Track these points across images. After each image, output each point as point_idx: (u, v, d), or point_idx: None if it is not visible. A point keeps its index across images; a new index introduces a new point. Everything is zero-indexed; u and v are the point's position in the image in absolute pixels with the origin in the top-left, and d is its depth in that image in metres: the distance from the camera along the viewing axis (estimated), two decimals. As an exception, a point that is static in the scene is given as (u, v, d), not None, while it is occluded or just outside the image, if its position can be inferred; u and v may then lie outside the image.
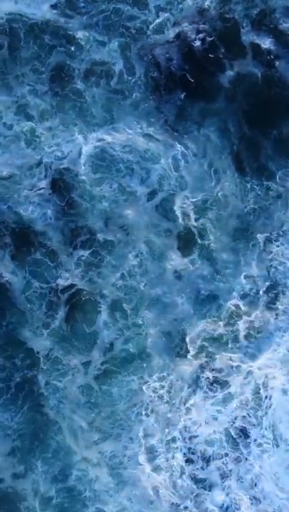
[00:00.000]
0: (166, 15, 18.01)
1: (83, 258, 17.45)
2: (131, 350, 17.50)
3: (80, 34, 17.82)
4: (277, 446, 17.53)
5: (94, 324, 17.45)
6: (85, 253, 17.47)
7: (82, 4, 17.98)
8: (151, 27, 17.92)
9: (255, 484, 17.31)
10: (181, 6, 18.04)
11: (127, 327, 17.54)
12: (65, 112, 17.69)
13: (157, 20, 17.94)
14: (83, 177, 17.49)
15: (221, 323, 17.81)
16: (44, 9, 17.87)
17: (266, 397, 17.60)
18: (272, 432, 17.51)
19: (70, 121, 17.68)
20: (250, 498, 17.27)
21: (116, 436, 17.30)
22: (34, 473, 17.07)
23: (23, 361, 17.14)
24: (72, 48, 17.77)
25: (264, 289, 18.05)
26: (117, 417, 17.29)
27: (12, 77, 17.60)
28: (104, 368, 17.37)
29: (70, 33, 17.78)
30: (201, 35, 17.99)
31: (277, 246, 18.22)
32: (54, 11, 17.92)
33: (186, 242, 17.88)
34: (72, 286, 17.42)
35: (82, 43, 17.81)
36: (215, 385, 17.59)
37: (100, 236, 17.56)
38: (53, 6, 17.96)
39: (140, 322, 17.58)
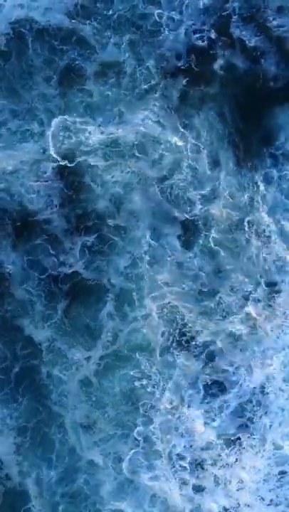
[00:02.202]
0: (174, 13, 18.37)
1: (88, 244, 17.58)
2: (134, 345, 17.54)
3: (91, 34, 18.21)
4: (262, 455, 17.32)
5: (98, 315, 17.54)
6: (89, 239, 17.60)
7: (96, 7, 18.32)
8: (160, 24, 18.30)
9: (238, 489, 17.24)
10: (187, 4, 18.46)
11: (132, 319, 17.61)
12: (75, 110, 18.01)
13: (164, 18, 18.37)
14: (93, 164, 17.79)
15: (222, 322, 17.70)
16: (59, 17, 18.19)
17: (262, 403, 17.43)
18: (262, 438, 17.34)
19: (80, 118, 17.99)
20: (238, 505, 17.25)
21: (120, 438, 17.33)
22: (37, 472, 17.10)
23: (24, 351, 17.40)
24: (82, 48, 18.14)
25: (263, 286, 17.91)
26: (121, 417, 17.32)
27: (20, 83, 18.04)
28: (107, 363, 17.43)
29: (81, 34, 18.14)
30: (203, 31, 18.35)
31: (273, 241, 18.11)
32: (69, 18, 18.23)
33: (190, 234, 17.96)
34: (75, 274, 17.52)
35: (93, 42, 18.17)
36: (213, 387, 17.50)
37: (107, 223, 17.71)
38: (68, 14, 18.24)
39: (144, 315, 17.64)
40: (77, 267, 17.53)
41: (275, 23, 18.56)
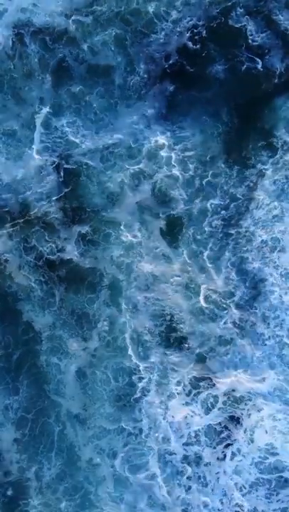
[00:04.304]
0: (170, 13, 18.29)
1: (82, 233, 18.02)
2: (129, 337, 17.70)
3: (84, 37, 18.44)
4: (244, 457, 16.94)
5: (93, 305, 17.89)
6: (83, 230, 18.03)
7: (94, 10, 18.53)
8: (155, 26, 18.26)
9: (225, 494, 17.00)
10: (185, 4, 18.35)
11: (126, 311, 17.78)
12: (70, 115, 18.39)
13: (159, 18, 18.33)
14: (88, 166, 18.21)
15: (211, 324, 17.52)
16: (58, 20, 18.50)
17: (250, 400, 17.08)
18: (249, 438, 16.98)
19: (77, 122, 18.38)
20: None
21: (115, 433, 17.50)
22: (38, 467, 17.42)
23: (23, 340, 17.90)
24: (77, 52, 18.41)
25: (249, 288, 17.61)
26: (116, 412, 17.51)
27: (21, 89, 18.55)
28: (101, 354, 17.69)
29: (75, 36, 18.42)
30: (198, 29, 18.14)
31: (257, 240, 17.75)
32: (66, 20, 18.49)
33: (174, 231, 17.99)
34: (70, 262, 18.00)
35: (89, 45, 18.41)
36: (202, 383, 17.35)
37: (101, 216, 18.10)
38: (67, 16, 18.50)
39: (137, 308, 17.80)
40: (72, 255, 18.00)
41: (281, 17, 18.22)
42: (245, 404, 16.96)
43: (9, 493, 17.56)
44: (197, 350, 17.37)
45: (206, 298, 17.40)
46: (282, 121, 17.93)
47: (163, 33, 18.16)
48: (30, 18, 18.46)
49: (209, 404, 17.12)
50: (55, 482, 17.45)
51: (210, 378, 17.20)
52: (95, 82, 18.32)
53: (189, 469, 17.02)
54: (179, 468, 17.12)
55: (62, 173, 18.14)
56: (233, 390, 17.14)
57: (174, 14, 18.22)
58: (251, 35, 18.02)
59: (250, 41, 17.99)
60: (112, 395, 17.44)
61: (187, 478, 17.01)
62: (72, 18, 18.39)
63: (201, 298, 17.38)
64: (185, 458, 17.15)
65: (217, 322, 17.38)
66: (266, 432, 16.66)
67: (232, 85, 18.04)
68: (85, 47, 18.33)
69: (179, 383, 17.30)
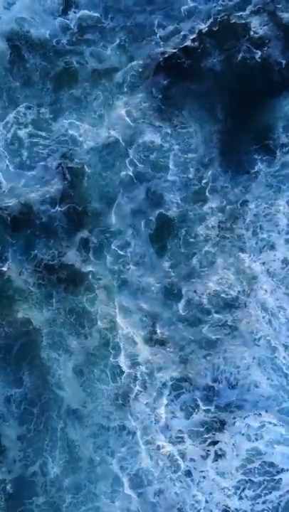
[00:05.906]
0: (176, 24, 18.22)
1: (83, 238, 18.36)
2: (122, 337, 17.91)
3: (89, 49, 18.63)
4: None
5: (93, 305, 18.21)
6: (84, 235, 18.36)
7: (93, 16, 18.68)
8: (156, 32, 18.26)
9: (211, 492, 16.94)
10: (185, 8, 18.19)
11: (118, 312, 17.99)
12: (70, 115, 18.63)
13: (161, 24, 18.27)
14: (89, 166, 18.43)
15: (192, 328, 17.53)
16: (56, 29, 18.64)
17: (237, 406, 16.90)
18: (234, 442, 16.84)
19: (76, 123, 18.61)
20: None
21: (112, 431, 17.79)
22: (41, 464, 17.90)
23: (24, 333, 18.32)
24: (75, 54, 18.58)
25: (237, 291, 17.47)
26: (112, 411, 17.81)
27: (20, 94, 18.87)
28: (98, 353, 18.02)
29: (81, 51, 18.62)
30: (198, 26, 18.01)
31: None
32: (64, 30, 18.66)
33: (162, 238, 18.10)
34: (70, 266, 18.36)
35: (88, 55, 18.58)
36: (183, 383, 17.39)
37: (97, 222, 18.39)
38: (65, 27, 18.67)
39: (129, 309, 18.01)
40: (72, 260, 18.36)
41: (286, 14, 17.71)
42: (231, 412, 16.90)
43: (11, 490, 17.99)
44: (180, 353, 17.53)
45: (189, 301, 17.48)
46: (281, 120, 17.63)
47: (164, 33, 18.16)
48: (30, 31, 18.61)
49: (190, 408, 17.17)
50: (60, 479, 17.78)
51: (193, 381, 17.31)
52: (96, 82, 18.49)
53: (182, 466, 17.11)
54: (170, 465, 17.28)
55: (64, 175, 18.42)
56: (217, 397, 17.11)
57: (179, 25, 18.15)
58: (254, 27, 17.67)
59: (252, 33, 17.66)
60: (111, 394, 17.82)
61: (178, 473, 17.15)
62: (78, 36, 18.61)
63: (183, 302, 17.50)
64: (173, 454, 17.29)
65: (205, 324, 17.51)
66: (251, 436, 16.60)
67: (232, 79, 17.83)
68: (88, 55, 18.51)
69: (164, 384, 17.46)
